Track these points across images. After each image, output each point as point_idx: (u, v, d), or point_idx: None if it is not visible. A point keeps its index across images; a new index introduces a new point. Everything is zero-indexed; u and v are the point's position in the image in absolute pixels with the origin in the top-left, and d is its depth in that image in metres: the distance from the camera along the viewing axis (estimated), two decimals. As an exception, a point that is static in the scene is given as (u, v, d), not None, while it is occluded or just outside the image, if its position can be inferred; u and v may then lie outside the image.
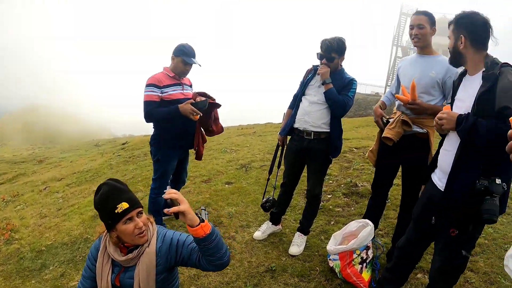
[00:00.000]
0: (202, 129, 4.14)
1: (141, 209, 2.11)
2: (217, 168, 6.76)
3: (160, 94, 3.77)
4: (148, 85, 3.77)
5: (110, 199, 2.04)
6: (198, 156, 4.21)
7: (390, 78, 33.78)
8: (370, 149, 3.65)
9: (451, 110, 2.46)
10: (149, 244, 2.12)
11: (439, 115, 2.36)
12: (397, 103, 3.44)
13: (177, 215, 1.89)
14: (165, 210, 1.89)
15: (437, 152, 2.66)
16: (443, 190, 2.41)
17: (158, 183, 4.04)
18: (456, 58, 2.44)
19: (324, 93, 3.51)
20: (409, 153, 3.34)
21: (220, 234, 3.83)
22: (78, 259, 4.00)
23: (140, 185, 6.41)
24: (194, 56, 3.88)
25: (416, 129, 3.28)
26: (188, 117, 3.69)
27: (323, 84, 3.52)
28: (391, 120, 3.39)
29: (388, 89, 3.87)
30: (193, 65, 3.91)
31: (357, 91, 3.77)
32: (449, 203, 2.33)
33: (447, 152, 2.47)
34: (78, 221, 5.00)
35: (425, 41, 3.29)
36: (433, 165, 2.68)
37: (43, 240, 4.65)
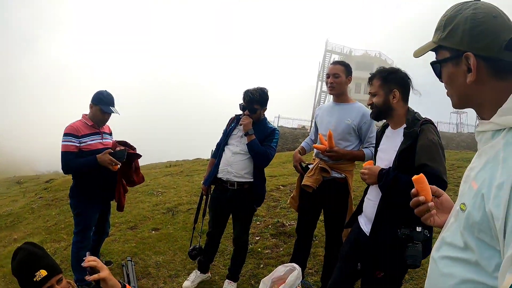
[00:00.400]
0: (123, 180, 4.06)
1: (60, 275, 2.04)
2: (143, 213, 6.57)
3: (78, 144, 3.67)
4: (65, 135, 3.66)
5: (27, 267, 1.96)
6: (120, 207, 4.11)
7: (310, 127, 35.31)
8: (291, 195, 3.78)
9: (375, 160, 2.62)
10: None
11: (362, 170, 2.51)
12: (315, 150, 3.60)
13: (98, 282, 1.83)
14: (86, 277, 1.84)
15: (362, 199, 2.80)
16: (368, 235, 2.54)
17: (80, 237, 3.87)
18: (384, 112, 2.57)
19: (246, 144, 3.59)
20: (329, 198, 3.49)
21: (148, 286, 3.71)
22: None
23: (63, 233, 6.05)
24: (112, 104, 3.83)
25: (334, 174, 3.44)
26: (107, 168, 3.60)
27: (245, 135, 3.59)
28: (310, 166, 3.54)
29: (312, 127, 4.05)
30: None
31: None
32: (375, 248, 2.45)
33: (370, 201, 2.64)
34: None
35: (340, 90, 3.49)
36: (359, 209, 2.81)
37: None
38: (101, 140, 3.83)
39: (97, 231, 4.21)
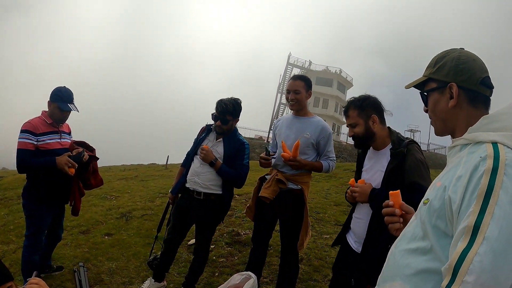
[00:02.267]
0: (80, 183, 3.99)
1: (9, 283, 1.99)
2: (96, 217, 6.44)
3: (35, 143, 3.57)
4: (23, 131, 3.56)
5: None
6: (75, 212, 4.01)
7: (274, 123, 35.82)
8: (248, 205, 3.84)
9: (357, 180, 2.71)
10: None
11: (352, 188, 2.60)
12: (273, 161, 3.66)
13: None
14: None
15: (349, 217, 2.89)
16: (359, 252, 2.64)
17: (32, 241, 3.75)
18: (368, 139, 2.67)
19: (217, 172, 3.62)
20: (285, 208, 3.57)
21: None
22: None
23: (12, 234, 5.82)
24: (71, 101, 3.74)
25: (291, 186, 3.53)
26: (63, 170, 3.52)
27: (211, 165, 3.61)
28: (267, 177, 3.62)
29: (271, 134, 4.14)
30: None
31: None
32: (366, 263, 2.52)
33: (359, 220, 2.72)
34: None
35: (300, 105, 3.58)
36: (346, 227, 2.90)
37: None
38: (59, 140, 3.74)
39: (49, 235, 4.10)
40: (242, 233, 5.57)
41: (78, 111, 3.79)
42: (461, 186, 1.18)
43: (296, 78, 3.62)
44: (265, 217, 3.73)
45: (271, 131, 35.38)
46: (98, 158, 3.97)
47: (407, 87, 1.62)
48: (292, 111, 3.73)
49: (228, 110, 3.60)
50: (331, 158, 3.62)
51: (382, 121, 2.67)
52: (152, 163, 19.09)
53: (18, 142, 3.55)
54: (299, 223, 3.56)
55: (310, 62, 42.48)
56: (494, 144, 1.20)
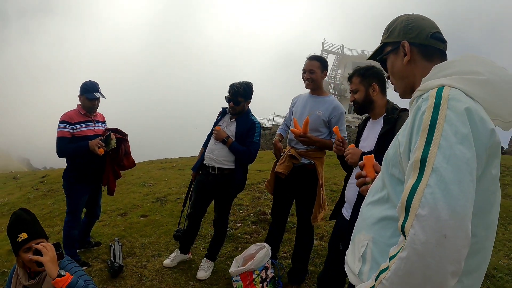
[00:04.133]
0: (115, 166, 4.36)
1: (40, 240, 2.28)
2: (134, 202, 6.88)
3: (71, 131, 3.98)
4: (60, 122, 3.99)
5: (14, 228, 2.25)
6: (110, 192, 4.41)
7: (286, 116, 35.42)
8: (267, 179, 4.06)
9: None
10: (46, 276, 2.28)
11: (346, 151, 2.70)
12: (288, 137, 3.87)
13: (40, 264, 2.15)
14: (28, 254, 2.21)
15: (344, 188, 3.01)
16: (348, 219, 2.76)
17: (70, 217, 4.19)
18: (366, 106, 2.82)
19: (228, 149, 3.89)
20: (300, 182, 3.75)
21: (131, 264, 4.00)
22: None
23: (57, 219, 6.34)
24: (96, 91, 4.14)
25: (304, 161, 3.71)
26: (94, 151, 3.91)
27: (223, 143, 3.90)
28: (282, 155, 3.83)
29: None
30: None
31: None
32: (350, 229, 2.67)
33: (351, 185, 2.86)
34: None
35: (315, 85, 3.72)
36: (342, 200, 3.02)
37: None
38: (93, 128, 4.16)
39: (88, 214, 4.56)
40: (268, 212, 5.79)
41: (104, 97, 4.21)
42: (407, 128, 1.22)
43: (312, 58, 3.75)
44: (282, 193, 3.94)
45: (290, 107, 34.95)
46: (127, 140, 4.31)
47: (368, 58, 1.74)
48: (309, 91, 3.87)
49: (239, 92, 3.85)
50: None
51: (383, 91, 2.80)
52: (194, 156, 19.54)
53: (57, 131, 4.01)
54: (312, 197, 3.74)
55: (343, 46, 41.32)
56: (440, 87, 1.20)
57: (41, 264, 2.16)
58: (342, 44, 42.21)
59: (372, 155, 1.84)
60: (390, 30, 1.55)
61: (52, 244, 2.27)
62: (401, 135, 1.29)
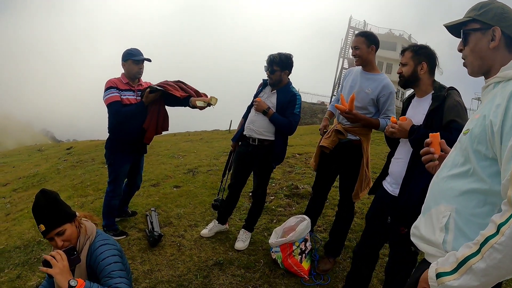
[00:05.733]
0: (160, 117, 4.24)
1: (59, 228, 2.19)
2: (165, 173, 6.96)
3: (120, 95, 3.97)
4: (108, 88, 3.95)
5: (35, 217, 2.20)
6: (147, 138, 4.24)
7: (336, 88, 35.18)
8: (314, 155, 4.02)
9: None
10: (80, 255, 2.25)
11: (392, 124, 2.71)
12: (337, 113, 3.80)
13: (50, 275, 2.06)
14: (39, 267, 2.20)
15: (387, 162, 3.00)
16: (394, 195, 2.76)
17: (112, 187, 4.23)
18: (411, 81, 2.80)
19: (269, 120, 3.87)
20: (344, 158, 3.71)
21: (169, 233, 4.06)
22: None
23: (89, 189, 6.49)
24: (141, 54, 4.09)
25: (350, 137, 3.65)
26: (148, 100, 3.95)
27: (264, 114, 3.88)
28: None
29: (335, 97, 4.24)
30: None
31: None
32: (402, 204, 2.64)
33: (398, 160, 2.84)
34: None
35: (363, 61, 3.60)
36: (384, 173, 3.01)
37: (-6, 245, 4.67)
38: (135, 97, 4.09)
39: (129, 183, 4.60)
40: (300, 187, 5.81)
41: (150, 60, 4.14)
42: (501, 110, 1.32)
43: (357, 34, 3.68)
44: (326, 168, 3.91)
45: (333, 96, 34.89)
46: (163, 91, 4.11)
47: (447, 24, 1.73)
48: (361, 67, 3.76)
49: (275, 61, 3.82)
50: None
51: (431, 71, 2.77)
52: (216, 129, 19.68)
53: (107, 98, 3.94)
54: (355, 174, 3.69)
55: (365, 23, 40.44)
56: None
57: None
58: (364, 20, 41.53)
59: (438, 133, 1.89)
60: (484, 10, 1.59)
61: (66, 249, 2.16)
62: (492, 115, 1.36)
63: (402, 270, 2.80)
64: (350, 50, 3.76)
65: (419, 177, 2.58)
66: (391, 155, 2.99)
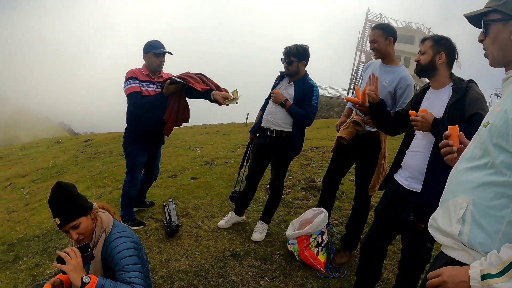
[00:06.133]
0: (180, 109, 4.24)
1: (74, 222, 2.21)
2: (183, 165, 7.01)
3: (140, 86, 3.99)
4: (128, 79, 3.98)
5: (51, 210, 2.23)
6: (166, 130, 4.26)
7: (353, 82, 34.88)
8: (332, 148, 3.99)
9: None
10: (95, 248, 2.28)
11: (412, 117, 2.60)
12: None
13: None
14: (53, 263, 2.16)
15: (400, 154, 2.91)
16: (410, 189, 2.69)
17: (129, 177, 4.28)
18: (428, 71, 2.75)
19: (287, 111, 3.87)
20: (362, 150, 3.68)
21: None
22: (51, 250, 4.14)
23: (108, 180, 6.59)
24: (163, 47, 4.09)
25: (368, 128, 3.62)
26: (168, 91, 3.94)
27: (281, 106, 3.88)
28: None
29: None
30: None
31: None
32: (424, 200, 2.57)
33: (416, 153, 2.75)
34: (48, 215, 5.13)
35: (381, 54, 3.55)
36: (396, 166, 2.94)
37: (14, 234, 4.77)
38: (154, 89, 4.10)
39: (147, 174, 4.64)
40: (317, 180, 5.79)
41: (171, 53, 4.15)
42: None
43: (373, 27, 3.63)
44: (340, 159, 3.89)
45: (350, 90, 34.60)
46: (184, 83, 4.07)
47: (468, 14, 1.71)
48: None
49: (292, 52, 3.82)
50: None
51: (449, 63, 2.72)
52: (232, 122, 19.71)
53: (127, 88, 3.97)
54: (372, 166, 3.66)
55: (381, 16, 39.87)
56: None
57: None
58: (380, 13, 40.92)
59: (457, 126, 1.86)
60: (506, 0, 1.57)
61: (80, 246, 2.17)
62: None
63: (418, 266, 2.77)
64: (368, 44, 3.71)
65: (441, 173, 2.43)
66: (404, 147, 2.91)
